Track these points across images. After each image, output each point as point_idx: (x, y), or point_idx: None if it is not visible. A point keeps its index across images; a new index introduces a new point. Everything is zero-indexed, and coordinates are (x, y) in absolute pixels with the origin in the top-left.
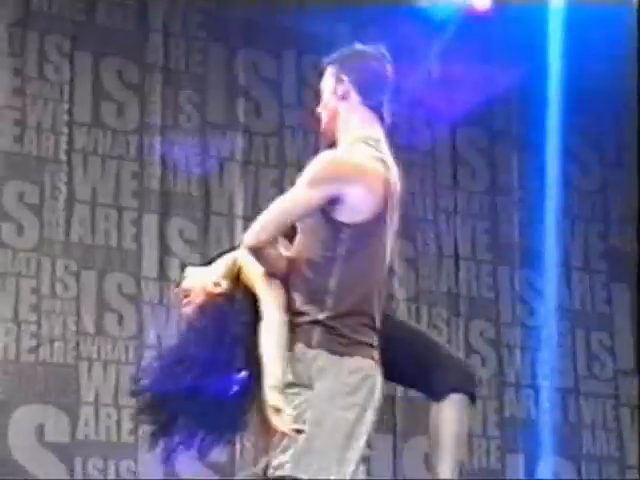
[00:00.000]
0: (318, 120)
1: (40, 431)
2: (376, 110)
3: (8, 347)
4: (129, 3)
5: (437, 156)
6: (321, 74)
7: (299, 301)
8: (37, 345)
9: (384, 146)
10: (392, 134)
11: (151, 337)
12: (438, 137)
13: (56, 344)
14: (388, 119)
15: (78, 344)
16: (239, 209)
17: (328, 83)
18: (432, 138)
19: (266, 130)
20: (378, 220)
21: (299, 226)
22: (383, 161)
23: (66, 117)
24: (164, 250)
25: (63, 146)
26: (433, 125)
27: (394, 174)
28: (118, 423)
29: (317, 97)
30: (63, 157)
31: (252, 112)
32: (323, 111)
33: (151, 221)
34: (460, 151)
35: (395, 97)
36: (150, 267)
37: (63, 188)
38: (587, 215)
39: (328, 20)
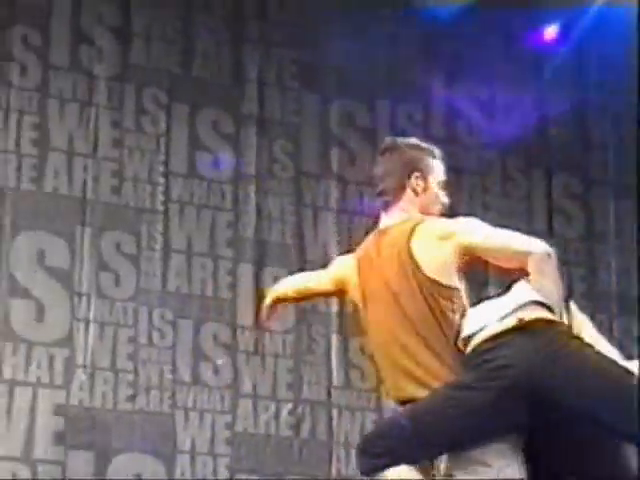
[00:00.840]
0: None
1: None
2: None
3: (106, 396)
4: (224, 55)
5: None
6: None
7: None
8: (134, 394)
9: None
10: (486, 180)
11: (246, 386)
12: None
13: (153, 393)
14: None
15: (174, 393)
16: (333, 257)
17: None
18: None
19: (360, 179)
20: None
21: None
22: None
23: (162, 168)
24: (260, 299)
25: (159, 196)
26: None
27: None
28: (214, 472)
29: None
30: (160, 207)
31: (346, 161)
32: None
33: (246, 270)
34: (555, 198)
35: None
36: (245, 316)
37: (159, 238)
38: None
39: (421, 69)
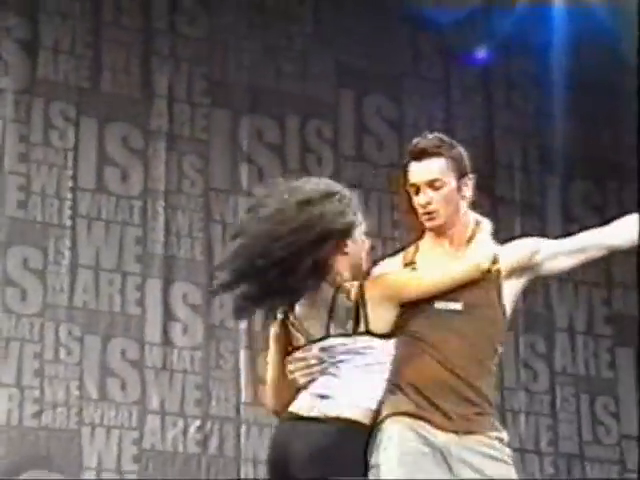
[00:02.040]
0: None
1: None
2: None
3: (11, 412)
4: (133, 70)
5: None
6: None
7: None
8: (40, 410)
9: None
10: (394, 198)
11: (154, 403)
12: None
13: (59, 409)
14: None
15: (81, 409)
16: None
17: None
18: None
19: None
20: None
21: None
22: None
23: (70, 183)
24: (168, 315)
25: (67, 211)
26: None
27: None
28: None
29: (319, 162)
30: (67, 222)
31: (255, 177)
32: None
33: (155, 286)
34: None
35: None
36: (154, 332)
37: (67, 253)
38: (591, 280)
39: (331, 85)
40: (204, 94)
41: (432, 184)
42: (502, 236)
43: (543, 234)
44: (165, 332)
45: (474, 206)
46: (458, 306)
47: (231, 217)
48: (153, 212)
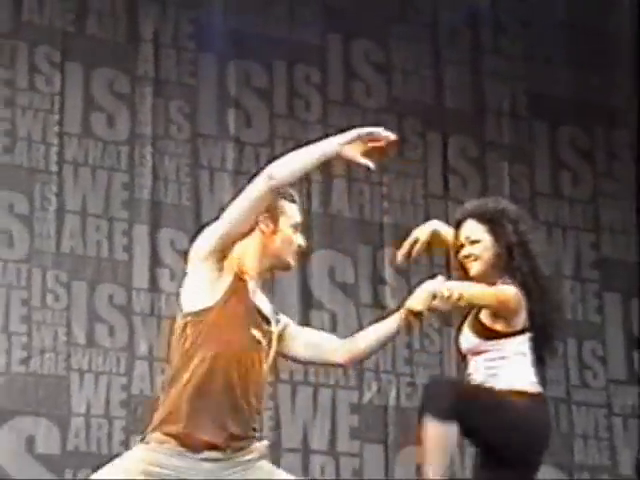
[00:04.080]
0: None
1: (31, 442)
2: None
3: None
4: (119, 14)
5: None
6: None
7: None
8: (28, 356)
9: None
10: None
11: (142, 348)
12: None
13: (47, 355)
14: None
15: (69, 355)
16: None
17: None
18: None
19: (257, 140)
20: None
21: None
22: None
23: (56, 128)
24: (155, 261)
25: (53, 157)
26: (424, 134)
27: None
28: (109, 435)
29: (308, 107)
30: (53, 168)
31: (243, 122)
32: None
33: (142, 232)
34: (451, 160)
35: (388, 106)
36: (141, 278)
37: (53, 199)
38: (578, 224)
39: (319, 30)
40: (190, 38)
41: None
42: (491, 182)
43: (532, 179)
44: (152, 278)
45: None
46: (260, 336)
47: (218, 162)
48: (140, 157)
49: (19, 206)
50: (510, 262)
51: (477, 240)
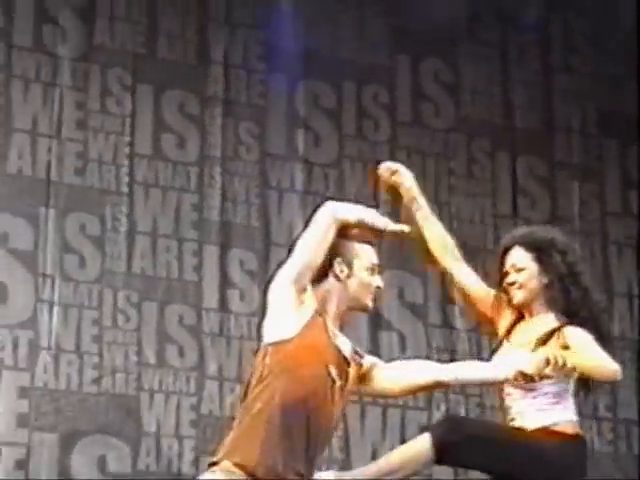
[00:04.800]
0: None
1: (102, 462)
2: None
3: (71, 378)
4: (189, 37)
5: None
6: None
7: None
8: (99, 376)
9: None
10: (451, 162)
11: (211, 368)
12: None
13: (118, 375)
14: None
15: (139, 375)
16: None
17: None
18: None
19: (326, 160)
20: None
21: None
22: None
23: (127, 149)
24: (224, 281)
25: (124, 178)
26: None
27: None
28: (179, 454)
29: (376, 128)
30: (124, 189)
31: (312, 143)
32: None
33: (212, 252)
34: (520, 180)
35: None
36: (211, 298)
37: (124, 220)
38: None
39: (387, 51)
40: (260, 60)
41: None
42: (561, 201)
43: (602, 198)
44: (222, 298)
45: None
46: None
47: (287, 183)
48: (209, 178)
49: (90, 227)
50: (556, 293)
51: (523, 268)
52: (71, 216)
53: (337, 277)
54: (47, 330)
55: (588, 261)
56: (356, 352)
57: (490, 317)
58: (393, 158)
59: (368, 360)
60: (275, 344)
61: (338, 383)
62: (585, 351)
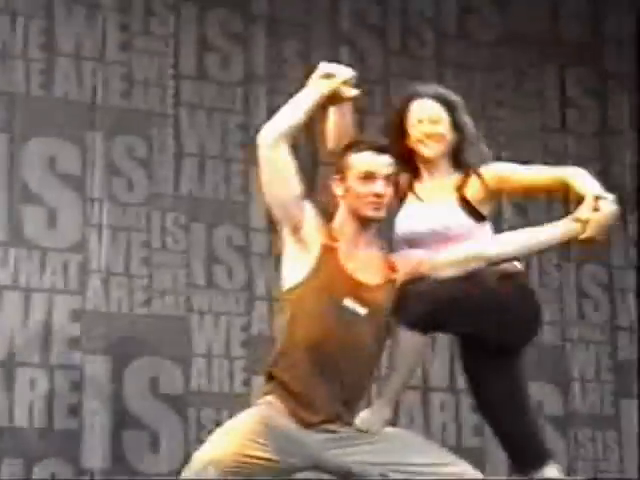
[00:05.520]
0: None
1: (154, 383)
2: None
3: (121, 301)
4: None
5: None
6: None
7: None
8: (149, 298)
9: None
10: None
11: (260, 289)
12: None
13: (167, 297)
14: None
15: (189, 297)
16: None
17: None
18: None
19: (370, 77)
20: None
21: None
22: None
23: (171, 70)
24: None
25: (169, 100)
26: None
27: None
28: (230, 374)
29: (422, 44)
30: (170, 111)
31: (356, 60)
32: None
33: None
34: (569, 92)
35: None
36: (258, 218)
37: (171, 142)
38: None
39: None
40: None
41: None
42: (611, 114)
43: None
44: (270, 218)
45: None
46: (358, 306)
47: None
48: (255, 98)
49: (137, 150)
50: (463, 153)
51: (440, 120)
52: (117, 139)
53: (339, 195)
54: (97, 253)
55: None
56: (389, 266)
57: None
58: (439, 73)
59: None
60: (288, 292)
61: (363, 313)
62: (530, 169)
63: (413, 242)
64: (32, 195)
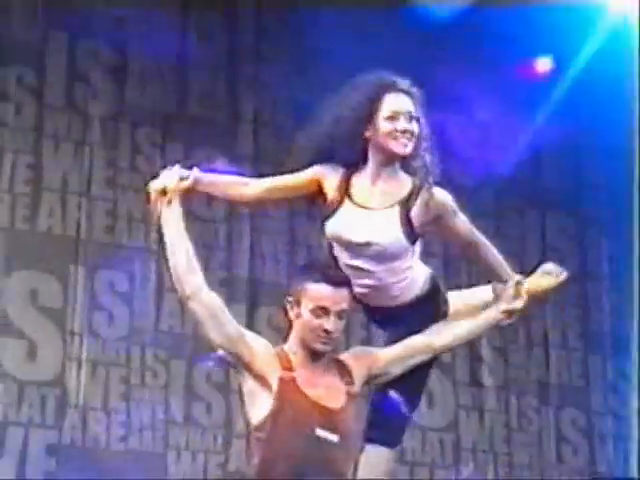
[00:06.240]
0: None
1: None
2: None
3: (98, 436)
4: (219, 95)
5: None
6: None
7: None
8: (126, 434)
9: None
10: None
11: (239, 426)
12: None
13: (145, 433)
14: None
15: (167, 433)
16: None
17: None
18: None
19: None
20: None
21: None
22: None
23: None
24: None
25: (153, 235)
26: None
27: None
28: None
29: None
30: (153, 246)
31: None
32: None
33: (240, 311)
34: (549, 237)
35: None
36: None
37: (153, 277)
38: None
39: None
40: (289, 117)
41: None
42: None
43: None
44: None
45: None
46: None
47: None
48: (238, 234)
49: (119, 284)
50: (422, 154)
51: (417, 117)
52: (100, 273)
53: (292, 318)
54: (75, 387)
55: None
56: (346, 381)
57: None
58: None
59: (359, 376)
60: (257, 428)
61: (336, 440)
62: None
63: (350, 249)
64: (13, 327)
